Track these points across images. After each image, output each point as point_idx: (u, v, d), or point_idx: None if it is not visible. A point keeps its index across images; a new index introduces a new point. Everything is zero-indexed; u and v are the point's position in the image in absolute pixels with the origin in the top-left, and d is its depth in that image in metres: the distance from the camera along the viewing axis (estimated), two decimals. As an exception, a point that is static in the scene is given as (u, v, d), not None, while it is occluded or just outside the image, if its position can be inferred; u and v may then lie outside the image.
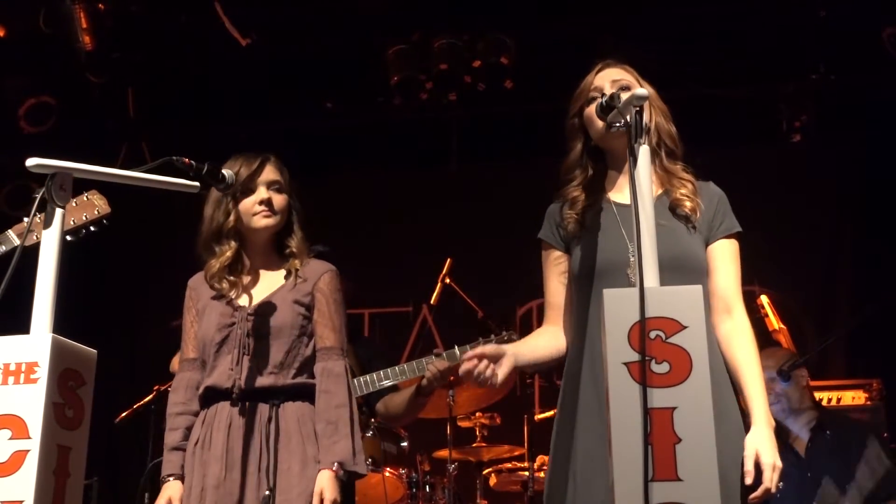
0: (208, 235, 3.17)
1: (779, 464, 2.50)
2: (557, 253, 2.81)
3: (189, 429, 3.11)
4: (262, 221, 3.12)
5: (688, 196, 2.70)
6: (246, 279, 3.18)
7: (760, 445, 2.50)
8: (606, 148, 2.76)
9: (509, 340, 4.35)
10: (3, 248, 3.30)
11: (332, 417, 3.04)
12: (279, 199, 3.15)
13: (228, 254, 3.14)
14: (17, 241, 3.30)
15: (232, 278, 3.14)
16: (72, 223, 3.13)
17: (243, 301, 3.14)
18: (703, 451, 2.03)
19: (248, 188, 3.09)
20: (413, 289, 6.49)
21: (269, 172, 3.16)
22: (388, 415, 4.46)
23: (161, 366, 4.22)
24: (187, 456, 3.06)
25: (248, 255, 3.20)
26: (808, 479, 4.29)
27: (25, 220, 3.31)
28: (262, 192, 3.12)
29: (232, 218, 3.13)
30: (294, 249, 3.19)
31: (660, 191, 2.71)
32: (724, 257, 2.72)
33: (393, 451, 4.97)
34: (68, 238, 2.33)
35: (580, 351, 2.68)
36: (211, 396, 3.08)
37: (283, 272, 3.18)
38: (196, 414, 3.12)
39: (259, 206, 3.11)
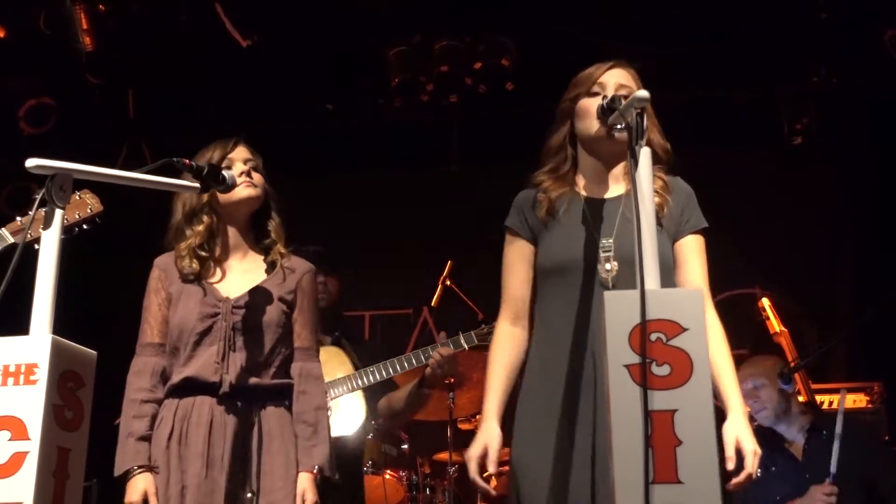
0: (181, 219, 3.13)
1: (758, 450, 2.54)
2: (523, 242, 2.81)
3: (154, 417, 3.03)
4: (244, 191, 3.07)
5: (657, 192, 2.70)
6: (222, 265, 3.13)
7: (740, 432, 2.54)
8: (591, 143, 2.75)
9: None
10: None
11: (311, 419, 3.04)
12: (258, 176, 3.13)
13: (200, 228, 3.09)
14: (11, 239, 3.29)
15: (203, 254, 3.08)
16: (65, 222, 3.12)
17: (223, 288, 3.08)
18: (704, 453, 2.03)
19: (224, 167, 3.03)
20: (413, 291, 6.49)
21: (244, 151, 3.15)
22: (390, 412, 4.42)
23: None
24: (159, 450, 2.98)
25: (225, 235, 3.15)
26: (806, 480, 4.28)
27: (19, 219, 3.32)
28: (240, 166, 3.09)
29: (206, 195, 3.06)
30: (273, 235, 3.15)
31: (628, 187, 2.71)
32: (692, 253, 2.74)
33: (393, 453, 4.97)
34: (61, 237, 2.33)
35: (547, 345, 2.68)
36: (189, 388, 3.01)
37: (261, 264, 3.14)
38: (160, 402, 3.05)
39: (241, 177, 3.06)
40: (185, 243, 3.10)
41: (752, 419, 4.59)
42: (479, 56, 6.26)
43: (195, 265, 3.08)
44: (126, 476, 2.98)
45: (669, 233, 2.72)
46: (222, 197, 3.07)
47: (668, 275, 2.62)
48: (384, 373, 4.23)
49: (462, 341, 4.24)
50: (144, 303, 3.16)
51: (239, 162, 3.11)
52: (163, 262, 3.18)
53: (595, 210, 2.69)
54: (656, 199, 2.68)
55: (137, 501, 2.93)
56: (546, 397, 2.65)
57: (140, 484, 2.94)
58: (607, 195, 2.74)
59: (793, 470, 4.34)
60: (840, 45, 6.01)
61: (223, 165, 3.03)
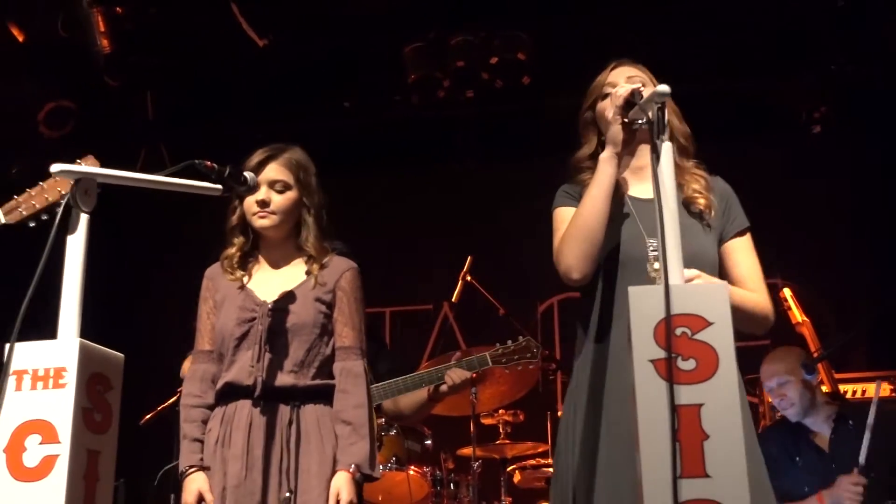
0: (228, 228, 3.21)
1: None
2: None
3: (205, 421, 3.09)
4: (257, 222, 3.12)
5: (701, 193, 2.71)
6: (262, 272, 3.18)
7: None
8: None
9: (526, 347, 4.36)
10: None
11: (351, 418, 3.04)
12: (279, 200, 3.11)
13: (232, 250, 3.17)
14: (2, 220, 3.30)
15: (249, 269, 3.17)
16: (60, 194, 3.13)
17: (263, 294, 3.12)
18: (732, 447, 2.03)
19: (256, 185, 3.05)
20: (434, 287, 6.50)
21: (272, 171, 3.12)
22: (396, 414, 4.46)
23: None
24: (207, 453, 3.04)
25: (264, 249, 3.20)
26: (833, 471, 4.27)
27: (16, 197, 3.33)
28: (261, 192, 3.09)
29: (236, 216, 3.16)
30: (311, 251, 3.15)
31: None
32: (743, 252, 2.75)
33: (417, 449, 4.98)
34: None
35: (600, 345, 2.68)
36: (230, 393, 3.06)
37: (302, 268, 3.17)
38: (211, 407, 3.10)
39: (256, 206, 3.09)
40: (227, 252, 3.18)
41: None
42: (494, 51, 6.26)
43: (238, 274, 3.15)
44: (182, 476, 3.06)
45: (716, 233, 2.72)
46: (247, 217, 3.14)
47: (713, 274, 2.61)
48: (395, 391, 4.29)
49: (476, 363, 4.27)
50: (197, 312, 3.23)
51: (264, 185, 3.10)
52: (211, 271, 3.24)
53: (640, 209, 2.69)
54: (702, 201, 2.69)
55: (192, 502, 3.00)
56: (594, 396, 2.64)
57: (193, 484, 3.01)
58: (649, 195, 2.72)
59: (819, 461, 4.32)
60: (857, 33, 5.98)
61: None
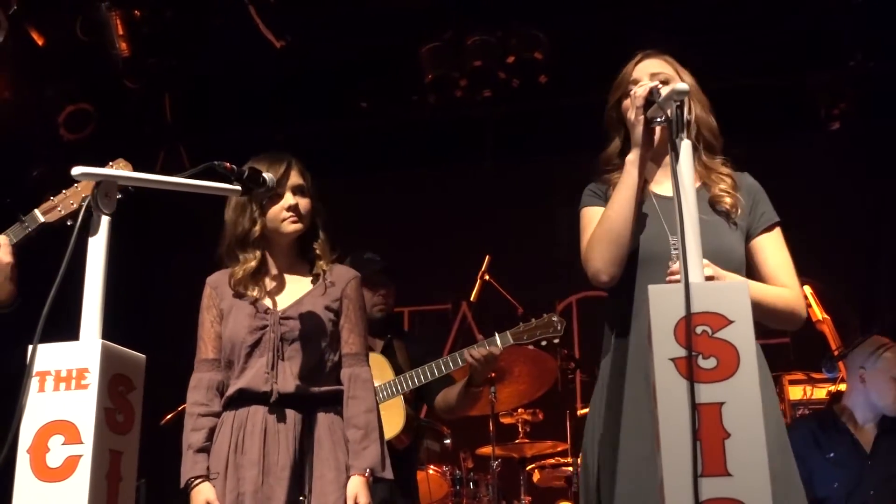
0: (232, 241, 3.19)
1: None
2: None
3: (212, 430, 3.11)
4: (290, 227, 3.14)
5: (727, 192, 2.70)
6: (271, 282, 3.20)
7: None
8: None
9: (549, 323, 4.31)
10: (30, 226, 3.36)
11: (362, 423, 3.08)
12: (304, 204, 3.17)
13: (252, 263, 3.16)
14: (42, 219, 3.36)
15: (260, 283, 3.17)
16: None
17: (270, 300, 3.15)
18: (753, 445, 2.02)
19: (274, 193, 3.05)
20: (452, 286, 6.51)
21: (295, 176, 3.17)
22: (447, 407, 4.42)
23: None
24: (219, 460, 3.05)
25: (273, 258, 3.22)
26: (868, 468, 4.24)
27: (52, 198, 3.37)
28: (288, 198, 3.12)
29: (258, 226, 3.15)
30: (319, 252, 3.19)
31: (698, 184, 2.71)
32: (772, 247, 2.74)
33: (436, 448, 4.99)
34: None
35: (623, 342, 2.68)
36: (243, 399, 3.08)
37: (309, 276, 3.20)
38: (218, 415, 3.13)
39: (287, 213, 3.13)
40: (241, 268, 3.16)
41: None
42: (511, 50, 6.26)
43: (254, 292, 3.15)
44: (188, 487, 3.07)
45: (742, 231, 2.71)
46: (271, 225, 3.15)
47: (740, 273, 2.61)
48: (422, 378, 4.25)
49: (497, 342, 4.23)
50: (199, 320, 3.24)
51: (288, 192, 3.13)
52: (214, 280, 3.25)
53: (663, 207, 2.69)
54: (728, 200, 2.69)
55: None
56: (615, 395, 2.65)
57: (200, 495, 3.03)
58: (671, 193, 2.72)
59: (856, 458, 4.28)
60: (875, 28, 5.95)
61: (275, 192, 3.04)
